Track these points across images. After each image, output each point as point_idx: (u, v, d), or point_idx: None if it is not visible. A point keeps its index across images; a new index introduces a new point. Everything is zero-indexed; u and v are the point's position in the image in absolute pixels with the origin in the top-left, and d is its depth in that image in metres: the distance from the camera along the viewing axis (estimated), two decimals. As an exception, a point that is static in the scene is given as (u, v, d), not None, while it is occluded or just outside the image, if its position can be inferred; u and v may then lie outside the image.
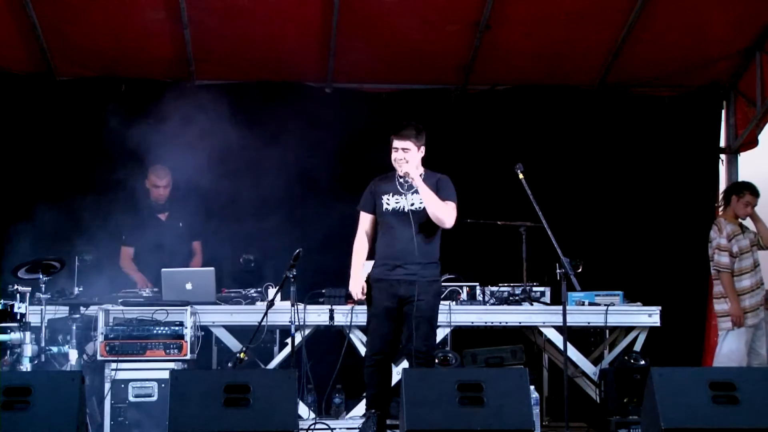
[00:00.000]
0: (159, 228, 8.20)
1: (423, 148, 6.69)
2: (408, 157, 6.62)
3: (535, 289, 7.82)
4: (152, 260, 7.96)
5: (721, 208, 8.28)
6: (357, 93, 9.38)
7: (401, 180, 6.70)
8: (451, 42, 8.79)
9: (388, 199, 6.67)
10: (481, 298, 7.70)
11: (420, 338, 6.57)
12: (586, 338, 8.25)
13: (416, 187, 6.57)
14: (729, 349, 7.91)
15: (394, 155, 6.65)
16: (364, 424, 6.65)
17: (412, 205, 6.63)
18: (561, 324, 6.92)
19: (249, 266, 8.48)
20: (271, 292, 7.30)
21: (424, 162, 6.78)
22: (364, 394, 6.85)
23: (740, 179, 9.49)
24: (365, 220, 6.78)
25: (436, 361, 7.43)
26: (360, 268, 6.71)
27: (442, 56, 8.97)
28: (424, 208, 6.61)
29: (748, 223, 8.13)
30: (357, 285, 6.67)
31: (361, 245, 6.76)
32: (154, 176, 8.24)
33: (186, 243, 8.27)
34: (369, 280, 6.71)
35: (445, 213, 6.59)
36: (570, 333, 7.24)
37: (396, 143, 6.64)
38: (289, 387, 6.05)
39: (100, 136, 8.94)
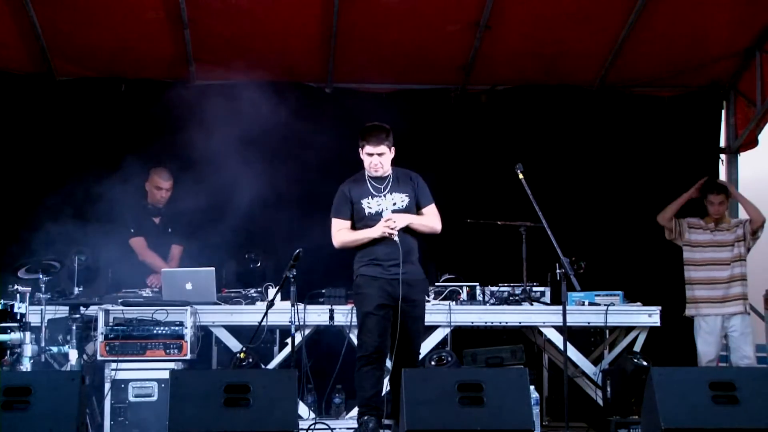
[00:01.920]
0: (152, 231, 8.22)
1: (393, 149, 6.69)
2: (383, 161, 6.63)
3: (535, 289, 7.82)
4: (141, 262, 8.02)
5: None
6: (357, 93, 9.38)
7: (373, 181, 6.69)
8: (451, 42, 8.79)
9: (369, 203, 6.64)
10: (481, 298, 7.70)
11: (414, 340, 6.63)
12: (586, 338, 8.25)
13: (409, 225, 6.59)
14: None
15: (369, 160, 6.63)
16: (365, 430, 6.54)
17: (394, 204, 6.64)
18: (561, 324, 6.93)
19: (252, 265, 8.49)
20: (271, 292, 7.30)
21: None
22: (361, 399, 6.63)
23: (740, 179, 9.53)
24: (342, 227, 6.71)
25: (432, 363, 7.43)
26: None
27: (442, 56, 8.97)
28: (405, 207, 6.63)
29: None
30: (380, 225, 6.54)
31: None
32: (158, 178, 8.23)
33: (168, 247, 8.28)
34: (358, 279, 6.66)
35: (436, 225, 6.72)
36: (570, 333, 7.24)
37: (370, 149, 6.62)
38: (289, 387, 6.05)
39: (100, 136, 8.95)
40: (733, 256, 8.18)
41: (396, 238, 6.50)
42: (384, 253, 6.56)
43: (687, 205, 8.43)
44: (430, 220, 6.69)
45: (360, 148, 6.70)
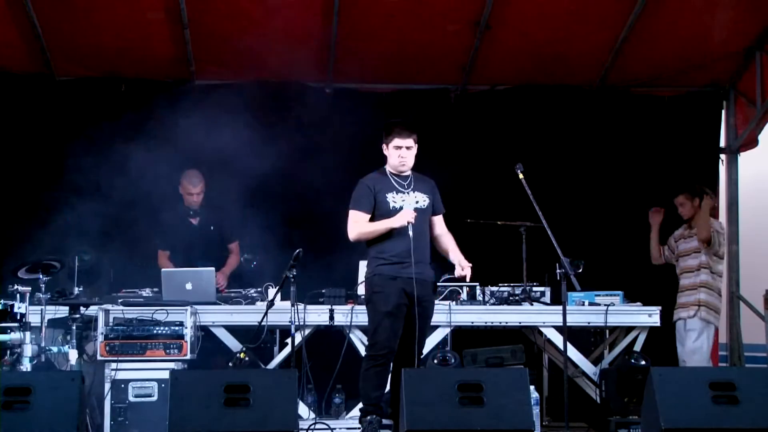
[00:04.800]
0: (191, 232, 8.24)
1: (417, 145, 6.73)
2: (410, 155, 6.65)
3: (535, 289, 7.82)
4: (186, 263, 7.96)
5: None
6: (357, 93, 9.38)
7: (396, 178, 6.69)
8: (451, 42, 8.80)
9: (393, 198, 6.63)
10: (481, 298, 7.70)
11: (422, 339, 6.67)
12: (586, 338, 8.26)
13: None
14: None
15: (396, 153, 6.62)
16: (367, 429, 6.55)
17: (417, 203, 6.66)
18: (561, 324, 6.93)
19: (250, 266, 8.49)
20: (271, 292, 7.30)
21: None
22: (366, 398, 6.61)
23: (740, 179, 9.53)
24: (361, 219, 6.63)
25: (435, 361, 7.43)
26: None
27: (442, 56, 8.97)
28: (426, 207, 6.67)
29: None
30: (401, 216, 6.54)
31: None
32: (187, 183, 8.23)
33: (219, 245, 8.28)
34: (375, 278, 6.57)
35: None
36: (570, 333, 7.24)
37: (400, 141, 6.61)
38: (289, 387, 6.05)
39: (99, 136, 8.95)
40: (699, 264, 8.09)
41: (410, 232, 6.49)
42: (401, 252, 6.52)
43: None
44: (452, 241, 6.86)
45: (384, 144, 6.67)
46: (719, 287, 8.21)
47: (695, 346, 7.99)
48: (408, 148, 6.62)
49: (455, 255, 6.75)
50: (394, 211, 6.59)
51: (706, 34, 8.74)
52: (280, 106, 8.90)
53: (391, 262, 6.55)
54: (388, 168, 6.72)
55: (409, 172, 6.71)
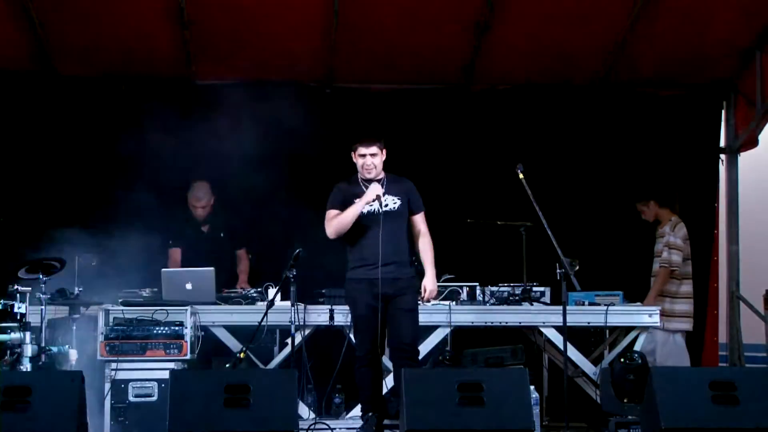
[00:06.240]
0: (201, 238, 8.26)
1: (385, 151, 6.86)
2: (375, 162, 6.81)
3: (535, 289, 7.82)
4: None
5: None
6: (357, 93, 9.37)
7: (366, 183, 6.85)
8: (451, 42, 8.79)
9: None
10: (481, 298, 7.70)
11: (404, 332, 6.74)
12: (586, 338, 8.25)
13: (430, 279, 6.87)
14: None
15: (361, 161, 6.83)
16: (363, 427, 6.70)
17: (386, 206, 6.77)
18: (561, 324, 6.93)
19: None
20: (271, 292, 7.31)
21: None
22: (360, 396, 6.90)
23: (740, 179, 9.52)
24: (334, 215, 6.86)
25: (440, 358, 7.45)
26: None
27: (442, 56, 8.96)
28: (396, 209, 6.80)
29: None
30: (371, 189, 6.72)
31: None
32: (191, 197, 8.27)
33: (229, 252, 8.30)
34: (346, 284, 6.87)
35: (430, 241, 6.93)
36: (570, 333, 7.23)
37: (363, 150, 6.82)
38: (289, 387, 6.06)
39: (99, 135, 8.95)
40: (655, 271, 8.18)
41: (381, 199, 6.68)
42: (369, 255, 6.72)
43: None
44: (430, 246, 6.90)
45: (353, 153, 6.89)
46: (684, 291, 8.24)
47: (666, 351, 8.07)
48: (372, 155, 6.81)
49: (427, 275, 6.91)
50: (361, 216, 6.77)
51: (706, 34, 8.74)
52: (279, 106, 8.89)
53: (357, 267, 6.80)
54: (359, 175, 6.89)
55: (381, 177, 6.86)
